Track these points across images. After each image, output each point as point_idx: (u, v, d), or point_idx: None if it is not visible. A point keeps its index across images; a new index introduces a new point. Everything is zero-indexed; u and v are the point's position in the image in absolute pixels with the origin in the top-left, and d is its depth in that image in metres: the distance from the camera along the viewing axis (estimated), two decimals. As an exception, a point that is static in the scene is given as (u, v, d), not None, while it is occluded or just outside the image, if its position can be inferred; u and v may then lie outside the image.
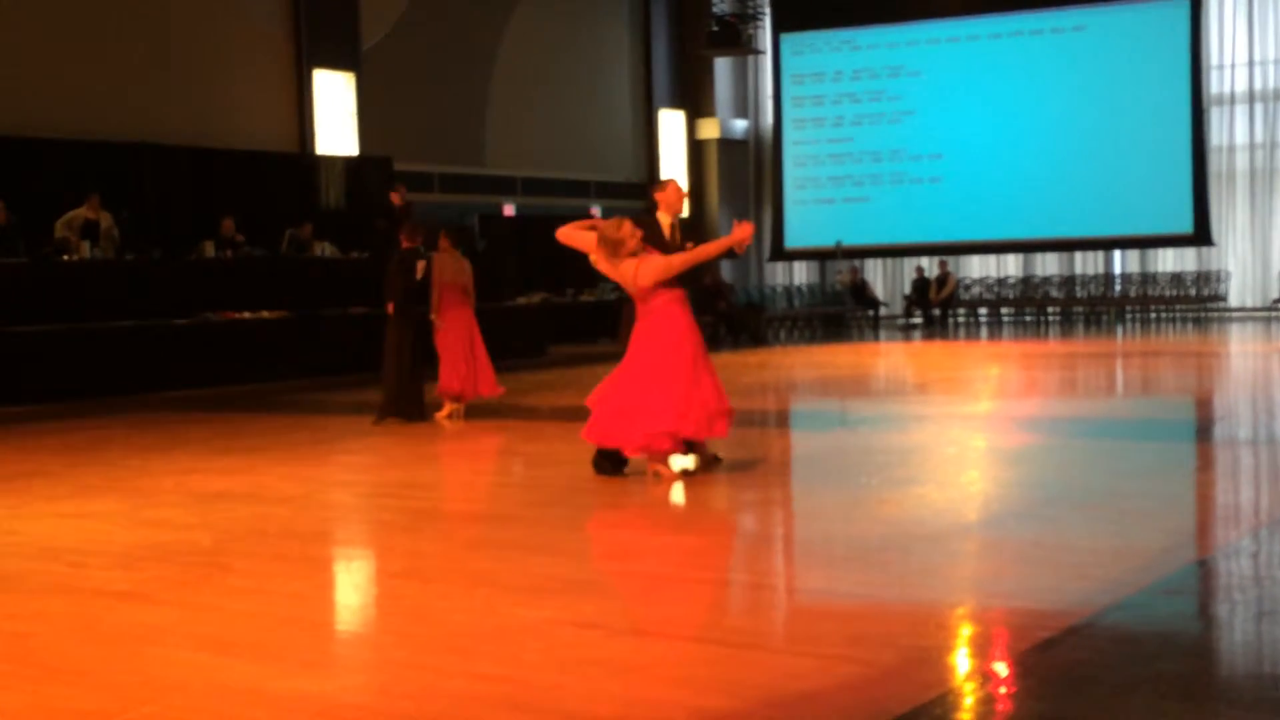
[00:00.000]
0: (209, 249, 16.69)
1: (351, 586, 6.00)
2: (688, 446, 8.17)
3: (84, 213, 15.65)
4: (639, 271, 7.87)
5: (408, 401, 11.30)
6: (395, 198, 18.58)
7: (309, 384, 15.51)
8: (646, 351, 7.92)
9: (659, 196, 8.47)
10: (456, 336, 11.54)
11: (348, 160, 20.40)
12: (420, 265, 11.31)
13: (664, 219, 8.44)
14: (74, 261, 15.14)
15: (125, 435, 11.26)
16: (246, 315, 16.06)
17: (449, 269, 11.57)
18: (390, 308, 11.35)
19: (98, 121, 17.44)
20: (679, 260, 7.92)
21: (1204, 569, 5.56)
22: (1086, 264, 26.77)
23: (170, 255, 16.35)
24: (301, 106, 20.41)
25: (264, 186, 19.00)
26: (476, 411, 11.77)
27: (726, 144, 28.57)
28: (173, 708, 4.01)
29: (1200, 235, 24.72)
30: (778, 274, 29.07)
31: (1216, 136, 25.22)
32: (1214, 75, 25.24)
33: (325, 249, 18.12)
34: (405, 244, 11.38)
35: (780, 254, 28.53)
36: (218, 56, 19.27)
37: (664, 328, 7.89)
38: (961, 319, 26.76)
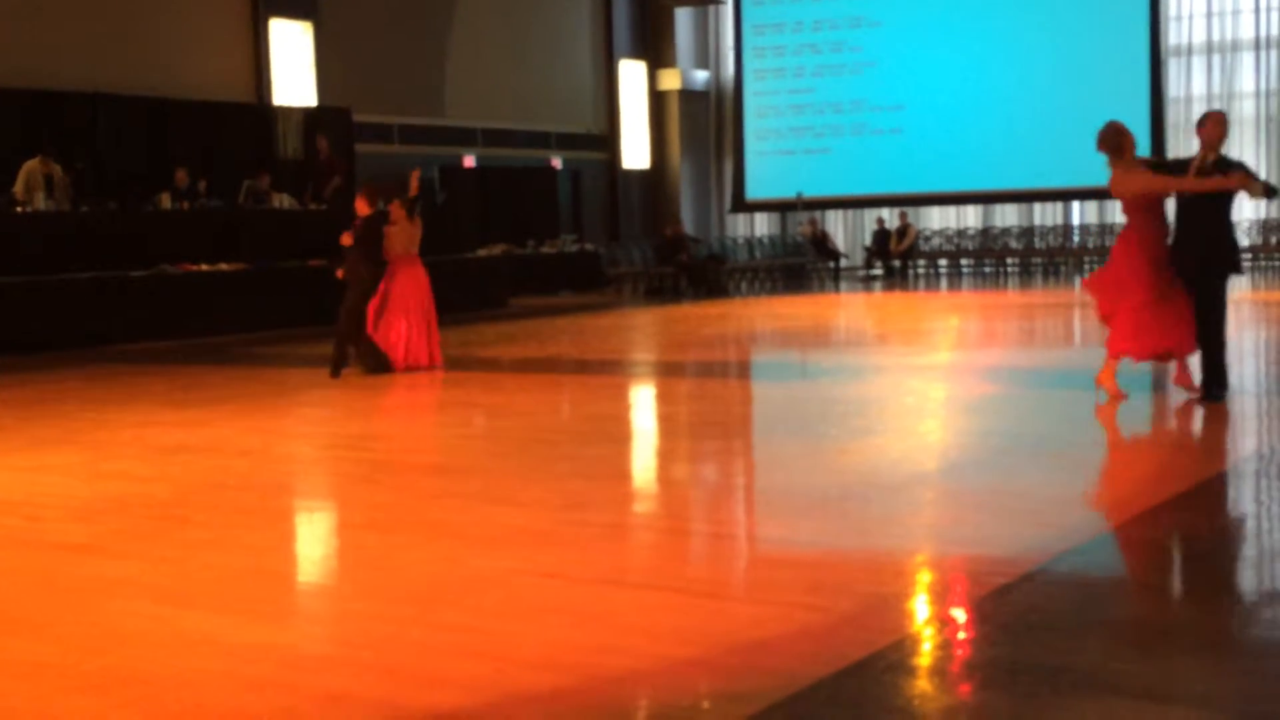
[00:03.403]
0: (165, 200, 16.52)
1: (312, 538, 6.00)
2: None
3: (38, 166, 15.45)
4: (1121, 179, 8.17)
5: (368, 354, 11.26)
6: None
7: (267, 336, 15.42)
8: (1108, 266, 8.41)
9: (1200, 133, 8.30)
10: (415, 305, 11.49)
11: (306, 111, 20.20)
12: (389, 232, 11.36)
13: (1207, 155, 8.16)
14: (28, 213, 14.95)
15: (82, 388, 11.17)
16: (204, 267, 15.92)
17: (401, 241, 11.50)
18: (340, 274, 11.32)
19: (51, 71, 17.18)
20: (1160, 182, 8.10)
21: (1157, 515, 5.62)
22: (1045, 215, 26.89)
23: (126, 207, 16.17)
24: (258, 56, 20.17)
25: (221, 137, 18.79)
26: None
27: (687, 95, 28.45)
28: (132, 659, 4.00)
29: (1158, 187, 24.84)
30: (739, 225, 29.06)
31: (1174, 88, 25.31)
32: (1172, 26, 25.30)
33: (283, 201, 17.97)
34: (365, 210, 11.27)
35: (741, 205, 28.51)
36: (173, 5, 18.99)
37: (1116, 250, 8.31)
38: (921, 270, 26.84)
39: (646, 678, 3.74)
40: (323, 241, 15.66)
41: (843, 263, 27.07)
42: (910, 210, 26.60)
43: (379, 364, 11.22)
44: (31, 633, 4.32)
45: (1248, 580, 4.68)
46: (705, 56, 29.23)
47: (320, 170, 18.50)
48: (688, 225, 26.57)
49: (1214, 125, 8.23)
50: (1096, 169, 8.78)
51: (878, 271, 26.62)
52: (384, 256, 11.41)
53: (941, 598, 4.47)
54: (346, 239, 11.31)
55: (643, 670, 3.79)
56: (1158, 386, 9.64)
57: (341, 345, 11.20)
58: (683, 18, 28.40)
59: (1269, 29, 24.60)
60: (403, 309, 11.46)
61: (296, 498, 6.81)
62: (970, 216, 27.42)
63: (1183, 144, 25.17)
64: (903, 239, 26.10)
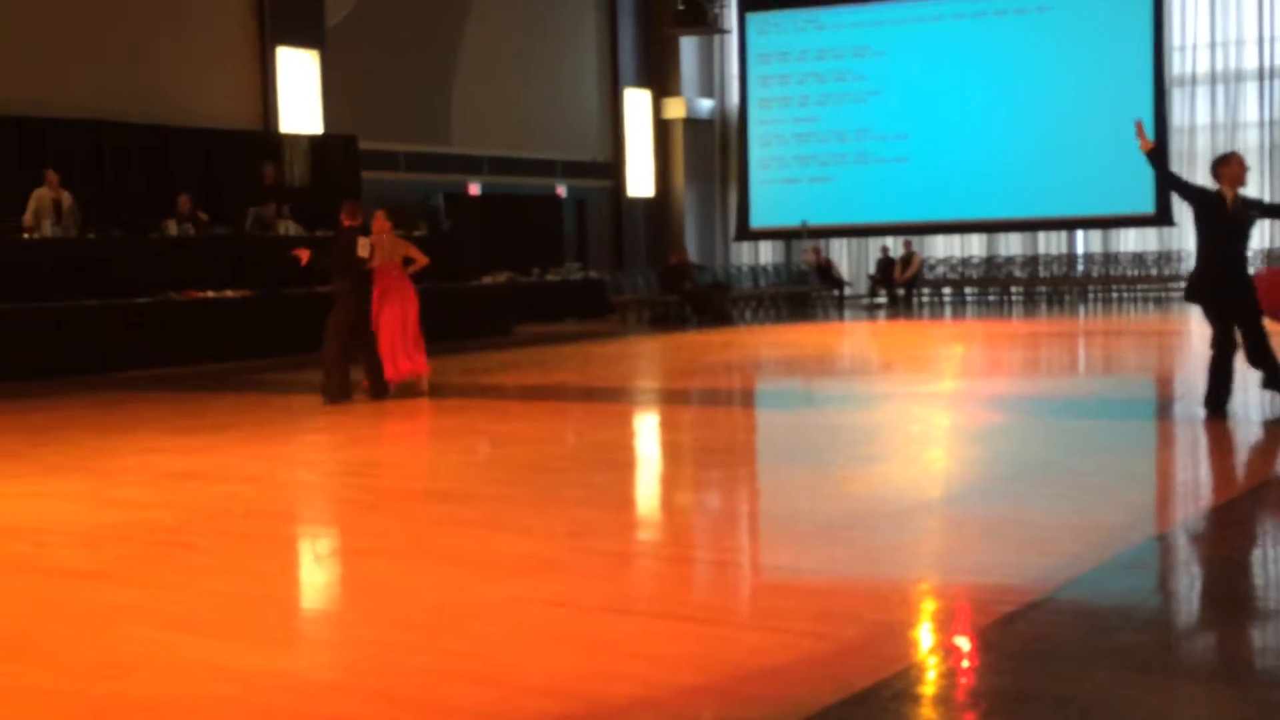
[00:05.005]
0: (171, 227, 16.56)
1: (316, 565, 5.99)
2: None
3: (47, 192, 15.50)
4: None
5: (373, 379, 11.29)
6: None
7: (273, 363, 15.43)
8: None
9: (1223, 171, 8.62)
10: (391, 317, 11.50)
11: (312, 139, 20.27)
12: (363, 243, 11.27)
13: (1227, 192, 8.65)
14: (35, 240, 15.00)
15: (88, 415, 11.18)
16: (210, 294, 15.96)
17: (382, 251, 11.52)
18: (298, 251, 11.51)
19: (58, 98, 17.25)
20: None
21: (1162, 544, 5.62)
22: (1050, 244, 26.91)
23: (132, 234, 16.21)
24: (265, 84, 20.25)
25: (227, 165, 18.86)
26: (441, 390, 11.76)
27: (692, 123, 28.53)
28: (137, 686, 4.00)
29: (1161, 215, 24.86)
30: (743, 253, 29.10)
31: (1178, 117, 25.37)
32: (1176, 56, 25.38)
33: (289, 228, 18.02)
34: (346, 222, 11.37)
35: (745, 233, 28.55)
36: (180, 33, 19.09)
37: None
38: (926, 299, 26.86)
39: (653, 705, 3.74)
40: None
41: (847, 291, 27.09)
42: (914, 239, 26.64)
43: (384, 388, 11.26)
44: (37, 659, 4.32)
45: (1253, 608, 4.67)
46: (710, 85, 29.33)
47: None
48: (692, 253, 26.61)
49: (1237, 164, 8.55)
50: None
51: (882, 300, 26.63)
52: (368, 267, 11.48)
53: (947, 626, 4.46)
54: (301, 252, 11.53)
55: (649, 698, 3.78)
56: (1162, 413, 9.65)
57: (334, 375, 11.15)
58: (687, 46, 28.51)
59: (1273, 59, 24.66)
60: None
61: (301, 524, 6.82)
62: (975, 245, 27.44)
63: (1185, 174, 25.21)
64: (907, 267, 26.14)
